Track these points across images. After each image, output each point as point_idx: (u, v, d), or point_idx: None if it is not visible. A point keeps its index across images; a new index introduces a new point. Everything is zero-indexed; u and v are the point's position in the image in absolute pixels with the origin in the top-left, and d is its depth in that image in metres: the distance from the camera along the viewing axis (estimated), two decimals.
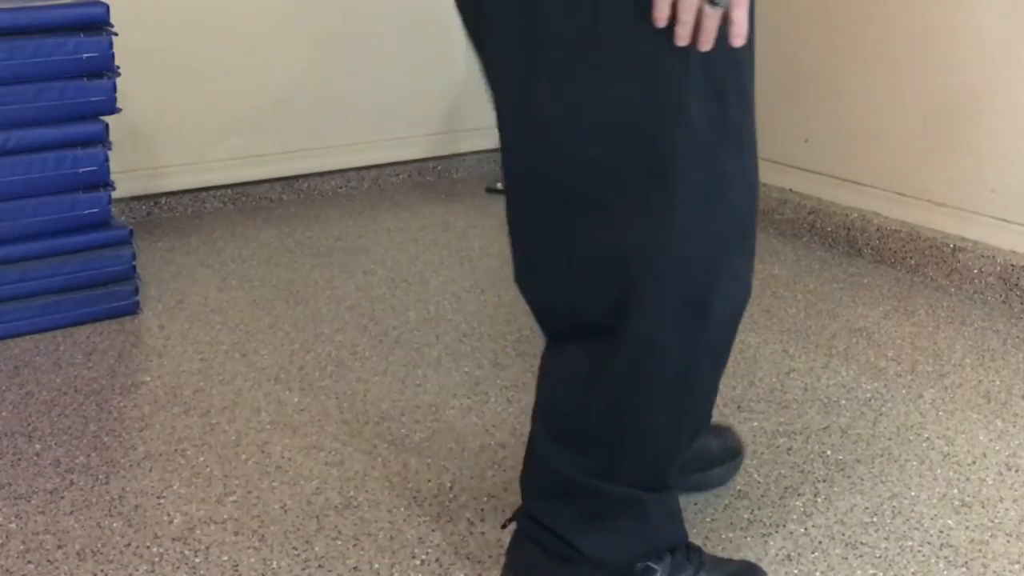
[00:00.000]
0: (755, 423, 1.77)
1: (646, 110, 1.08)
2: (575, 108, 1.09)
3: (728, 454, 1.59)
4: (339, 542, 1.44)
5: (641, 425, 1.21)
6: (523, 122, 1.14)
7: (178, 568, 1.39)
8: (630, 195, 1.11)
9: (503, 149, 1.18)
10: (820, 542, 1.45)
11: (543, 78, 1.09)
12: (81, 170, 2.07)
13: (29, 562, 1.39)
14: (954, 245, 2.37)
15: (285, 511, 1.51)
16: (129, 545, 1.43)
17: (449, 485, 1.57)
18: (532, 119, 1.12)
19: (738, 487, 1.58)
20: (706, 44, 1.05)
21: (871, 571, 1.40)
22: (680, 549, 1.28)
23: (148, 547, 1.43)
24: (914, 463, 1.66)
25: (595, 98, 1.08)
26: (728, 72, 1.10)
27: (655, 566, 1.26)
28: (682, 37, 1.04)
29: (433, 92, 3.09)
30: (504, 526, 1.36)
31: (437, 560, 1.40)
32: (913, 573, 1.39)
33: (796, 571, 1.39)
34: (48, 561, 1.40)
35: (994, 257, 2.29)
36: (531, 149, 1.14)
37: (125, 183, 2.63)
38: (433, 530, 1.47)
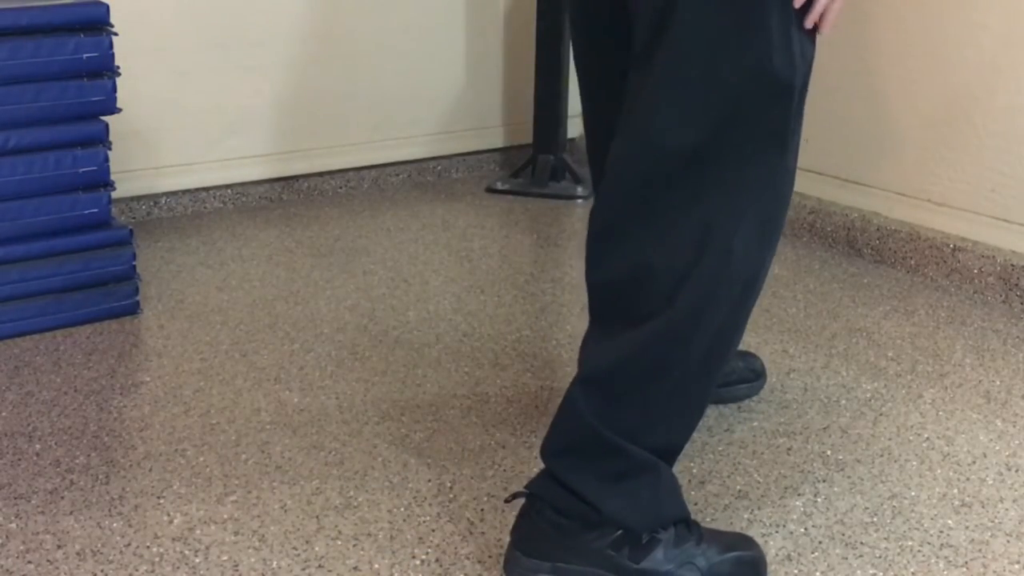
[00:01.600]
0: (755, 423, 1.77)
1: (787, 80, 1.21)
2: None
3: (752, 374, 1.83)
4: (339, 542, 1.44)
5: (679, 385, 1.27)
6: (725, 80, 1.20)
7: (178, 568, 1.39)
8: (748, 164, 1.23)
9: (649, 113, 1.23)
10: (820, 542, 1.45)
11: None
12: (81, 170, 2.07)
13: (29, 562, 1.39)
14: (954, 245, 2.37)
15: (285, 511, 1.51)
16: (129, 545, 1.43)
17: (449, 485, 1.57)
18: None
19: (738, 487, 1.58)
20: (827, 27, 1.23)
21: (871, 571, 1.40)
22: (682, 522, 1.33)
23: (148, 547, 1.43)
24: (914, 463, 1.66)
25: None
26: (810, 68, 1.25)
27: (660, 536, 1.30)
28: (812, 19, 1.21)
29: (433, 92, 3.09)
30: (509, 500, 1.38)
31: (437, 560, 1.40)
32: (913, 573, 1.39)
33: (796, 571, 1.39)
34: (48, 561, 1.40)
35: (994, 257, 2.29)
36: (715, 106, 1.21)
37: (125, 183, 2.62)
38: (433, 530, 1.47)
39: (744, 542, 1.38)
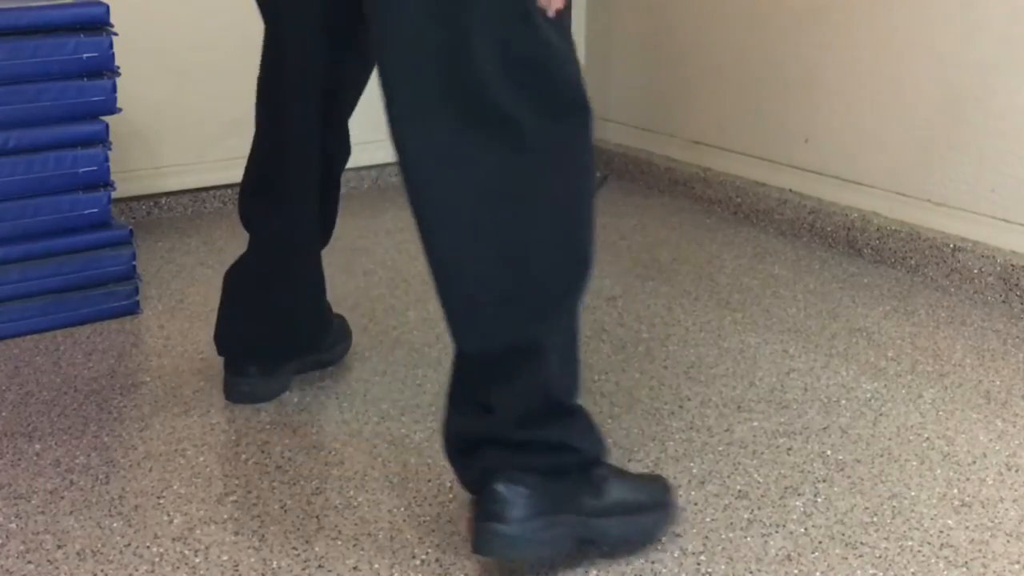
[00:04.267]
0: (755, 423, 1.77)
1: None
2: None
3: (344, 334, 1.97)
4: (339, 542, 1.44)
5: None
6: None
7: (178, 568, 1.39)
8: None
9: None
10: (820, 542, 1.45)
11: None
12: (81, 170, 2.07)
13: (29, 562, 1.39)
14: (954, 245, 2.37)
15: (285, 511, 1.51)
16: (129, 545, 1.43)
17: (449, 485, 1.57)
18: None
19: (738, 487, 1.58)
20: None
21: (871, 571, 1.40)
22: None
23: (148, 547, 1.43)
24: (914, 463, 1.66)
25: None
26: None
27: (607, 475, 1.40)
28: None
29: None
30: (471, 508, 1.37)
31: (437, 560, 1.40)
32: (913, 573, 1.39)
33: (796, 571, 1.39)
34: (48, 561, 1.40)
35: (994, 257, 2.29)
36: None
37: (125, 183, 2.62)
38: (433, 530, 1.47)
39: (654, 477, 1.50)
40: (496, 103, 1.26)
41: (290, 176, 1.69)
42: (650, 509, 1.43)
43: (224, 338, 1.83)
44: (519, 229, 1.30)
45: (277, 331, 1.81)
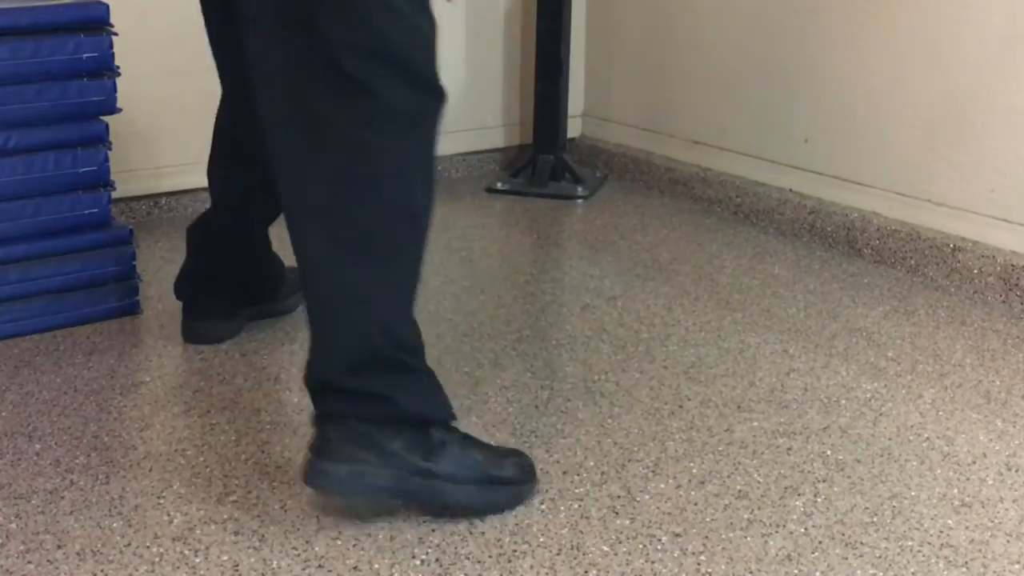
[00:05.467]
0: (755, 423, 1.77)
1: None
2: None
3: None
4: (339, 542, 1.44)
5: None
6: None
7: (178, 568, 1.39)
8: None
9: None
10: (820, 542, 1.45)
11: None
12: (81, 170, 2.07)
13: (29, 562, 1.39)
14: (954, 245, 2.37)
15: (285, 511, 1.51)
16: (129, 545, 1.43)
17: None
18: None
19: (738, 487, 1.58)
20: None
21: (871, 571, 1.40)
22: (453, 429, 1.51)
23: (148, 547, 1.43)
24: (914, 463, 1.66)
25: None
26: None
27: (447, 440, 1.48)
28: None
29: None
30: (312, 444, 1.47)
31: (437, 560, 1.40)
32: (913, 573, 1.39)
33: (796, 571, 1.39)
34: (48, 561, 1.40)
35: (994, 257, 2.29)
36: None
37: (125, 183, 2.62)
38: (433, 530, 1.47)
39: (517, 453, 1.58)
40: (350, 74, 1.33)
41: (249, 139, 1.72)
42: (502, 483, 1.51)
43: (184, 285, 2.06)
44: (357, 184, 1.39)
45: (236, 280, 2.04)
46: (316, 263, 1.43)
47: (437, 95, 1.40)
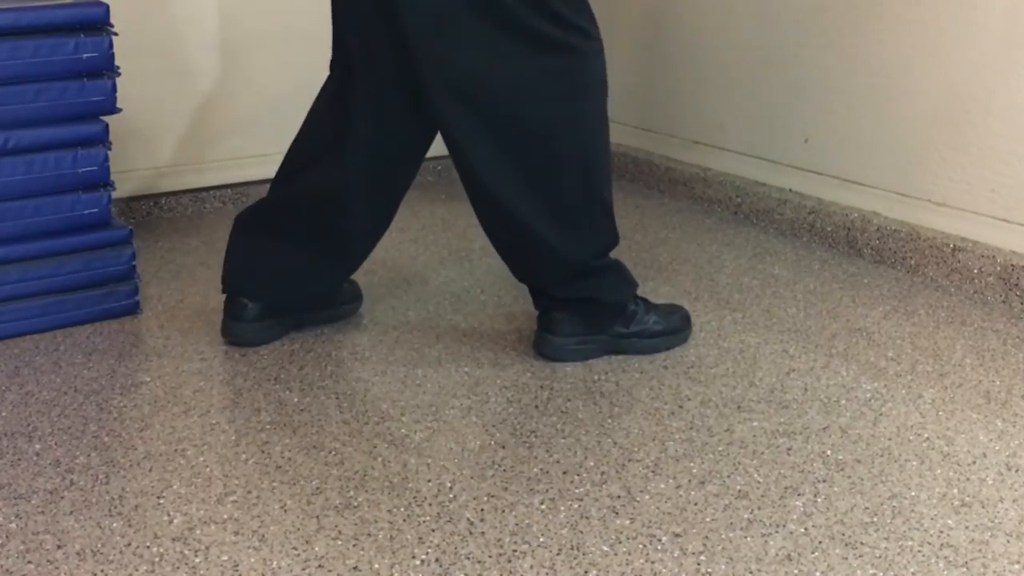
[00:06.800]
0: (755, 423, 1.77)
1: None
2: None
3: (352, 295, 2.17)
4: (339, 542, 1.44)
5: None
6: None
7: (178, 568, 1.39)
8: None
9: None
10: (820, 542, 1.45)
11: None
12: (81, 170, 2.07)
13: (29, 562, 1.40)
14: (954, 245, 2.37)
15: (285, 511, 1.51)
16: (129, 545, 1.43)
17: (449, 485, 1.58)
18: None
19: (738, 487, 1.58)
20: None
21: (871, 571, 1.40)
22: (639, 298, 2.04)
23: (148, 547, 1.43)
24: (914, 463, 1.66)
25: None
26: None
27: (636, 308, 2.00)
28: None
29: None
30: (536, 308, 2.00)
31: (437, 560, 1.41)
32: (913, 573, 1.39)
33: (796, 571, 1.39)
34: (48, 561, 1.40)
35: (994, 257, 2.29)
36: None
37: (125, 183, 2.63)
38: (433, 530, 1.47)
39: (678, 308, 2.09)
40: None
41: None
42: (672, 332, 2.04)
43: (234, 277, 2.02)
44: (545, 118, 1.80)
45: (292, 284, 2.04)
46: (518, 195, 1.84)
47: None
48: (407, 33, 1.71)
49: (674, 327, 2.03)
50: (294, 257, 1.98)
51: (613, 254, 1.97)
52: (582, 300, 1.93)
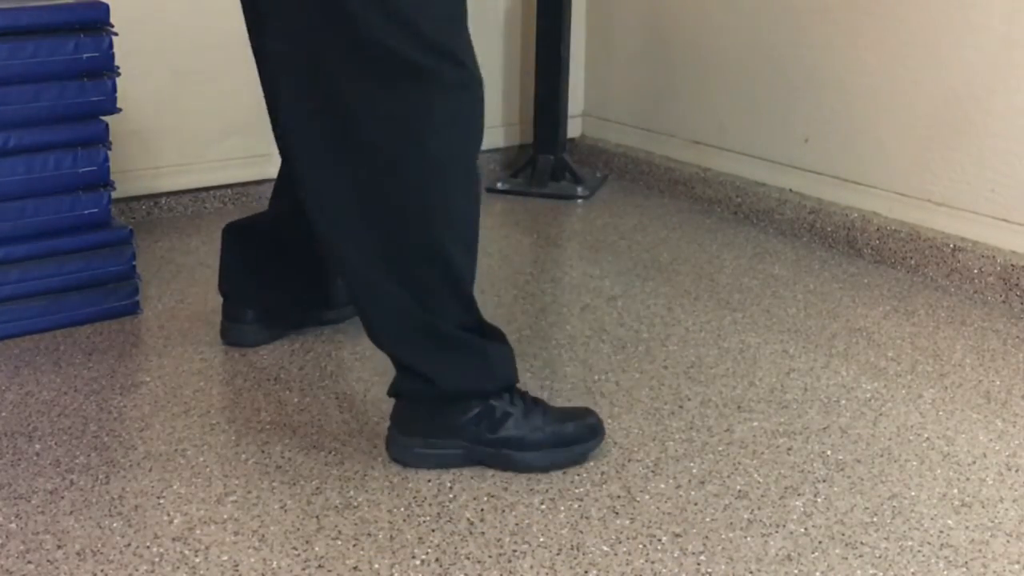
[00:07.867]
0: (755, 423, 1.77)
1: None
2: None
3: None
4: (339, 542, 1.44)
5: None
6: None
7: (178, 568, 1.39)
8: None
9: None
10: (820, 542, 1.45)
11: None
12: (81, 170, 2.07)
13: (29, 562, 1.40)
14: (954, 245, 2.37)
15: (285, 511, 1.51)
16: (129, 545, 1.43)
17: (449, 485, 1.57)
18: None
19: (738, 487, 1.58)
20: None
21: (871, 571, 1.40)
22: (518, 393, 1.64)
23: (148, 547, 1.43)
24: (914, 463, 1.66)
25: None
26: None
27: (511, 410, 1.60)
28: None
29: None
30: (390, 394, 1.65)
31: (437, 560, 1.40)
32: (913, 573, 1.39)
33: (796, 571, 1.39)
34: (48, 561, 1.40)
35: (994, 257, 2.29)
36: None
37: (125, 183, 2.62)
38: (433, 530, 1.47)
39: (584, 412, 1.66)
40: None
41: None
42: (565, 444, 1.62)
43: (229, 285, 2.01)
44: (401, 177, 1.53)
45: (289, 285, 2.01)
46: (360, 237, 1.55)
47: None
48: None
49: (567, 438, 1.61)
50: (288, 268, 1.99)
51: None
52: (418, 377, 1.58)
